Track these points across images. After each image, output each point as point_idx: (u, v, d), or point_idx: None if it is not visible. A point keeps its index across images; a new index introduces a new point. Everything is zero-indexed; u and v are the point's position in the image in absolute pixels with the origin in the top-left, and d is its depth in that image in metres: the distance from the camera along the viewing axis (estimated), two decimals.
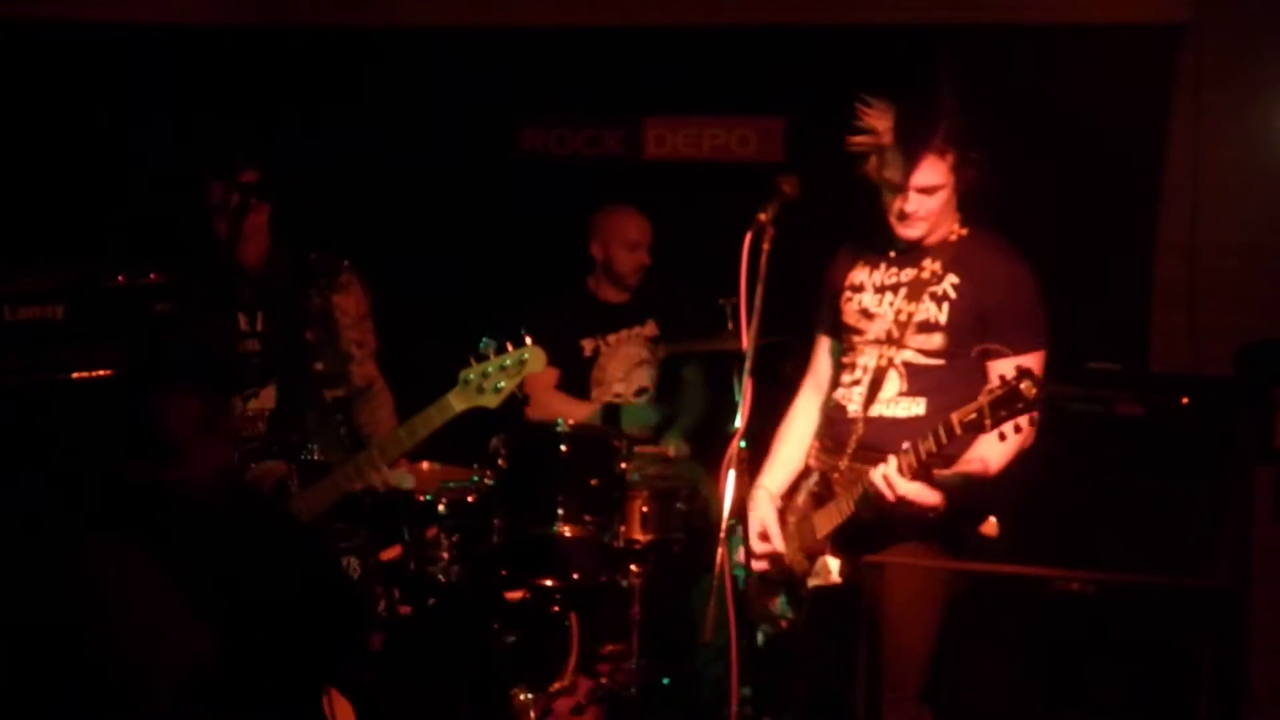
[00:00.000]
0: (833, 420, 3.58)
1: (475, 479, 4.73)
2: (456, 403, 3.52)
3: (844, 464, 3.49)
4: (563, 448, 4.65)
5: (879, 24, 5.42)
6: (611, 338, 5.07)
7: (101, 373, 4.18)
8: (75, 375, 4.23)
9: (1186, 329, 5.23)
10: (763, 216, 3.31)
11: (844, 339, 3.62)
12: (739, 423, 3.22)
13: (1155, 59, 5.28)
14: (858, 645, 3.41)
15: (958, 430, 3.16)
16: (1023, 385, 3.07)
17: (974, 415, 3.12)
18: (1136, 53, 5.24)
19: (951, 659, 4.38)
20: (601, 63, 5.69)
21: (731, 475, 3.16)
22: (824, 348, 3.79)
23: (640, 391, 5.07)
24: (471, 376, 3.52)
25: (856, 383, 3.54)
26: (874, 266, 3.58)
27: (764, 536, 3.58)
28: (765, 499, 3.64)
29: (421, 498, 4.61)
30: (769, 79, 5.52)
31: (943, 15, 5.40)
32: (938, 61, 3.52)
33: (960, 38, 5.34)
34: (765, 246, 3.29)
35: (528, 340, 3.52)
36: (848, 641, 3.47)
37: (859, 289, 3.58)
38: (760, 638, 3.59)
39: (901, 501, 3.25)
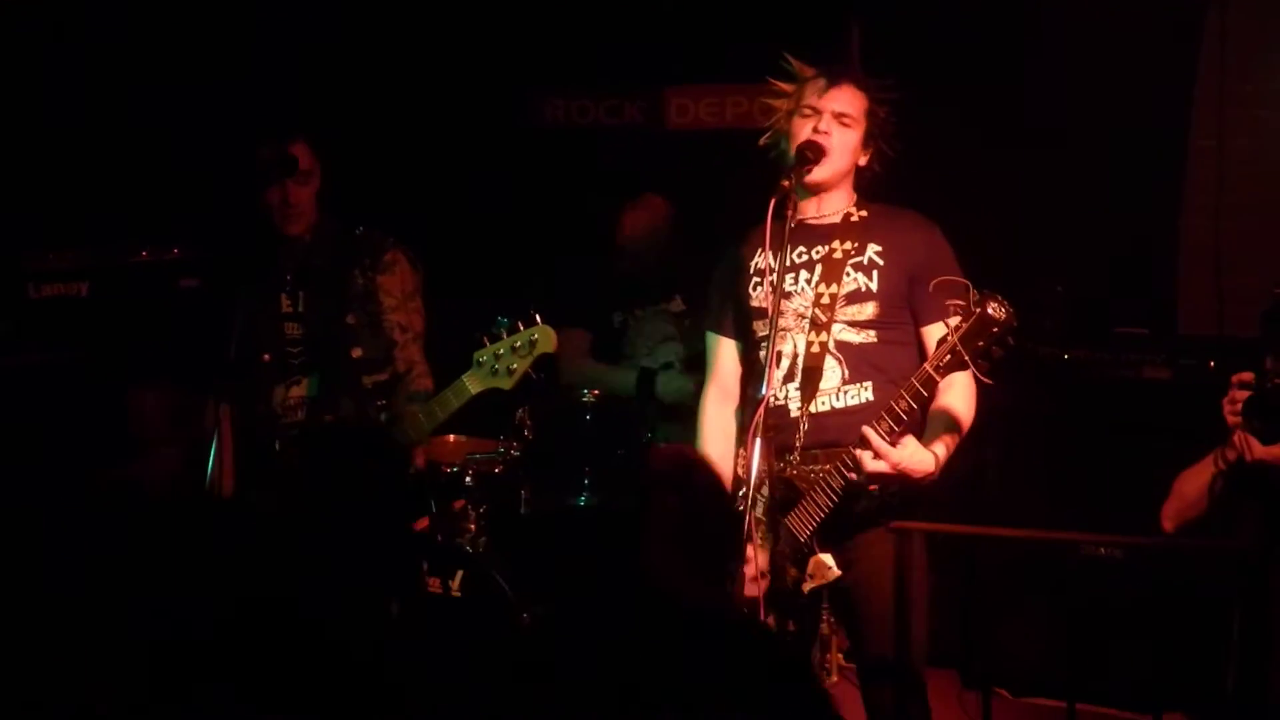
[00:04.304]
0: (773, 422, 3.30)
1: (501, 451, 4.75)
2: (472, 385, 3.50)
3: (795, 459, 3.33)
4: (588, 418, 4.67)
5: None
6: (639, 312, 5.00)
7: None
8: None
9: (1214, 292, 5.18)
10: (786, 183, 3.30)
11: (756, 329, 3.42)
12: (765, 389, 3.20)
13: (1181, 19, 5.23)
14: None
15: (938, 378, 3.03)
16: (990, 308, 2.91)
17: (949, 357, 2.97)
18: (1163, 12, 5.19)
19: (981, 624, 4.40)
20: (622, 32, 5.65)
21: (758, 442, 3.12)
22: (725, 350, 3.63)
23: (666, 366, 5.04)
24: (484, 358, 3.50)
25: (791, 377, 3.38)
26: (778, 249, 3.37)
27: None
28: None
29: (448, 469, 4.65)
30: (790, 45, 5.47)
31: None
32: (846, 34, 3.51)
33: None
34: (789, 213, 3.28)
35: (537, 319, 3.49)
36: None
37: (765, 273, 3.39)
38: None
39: (899, 471, 3.12)
